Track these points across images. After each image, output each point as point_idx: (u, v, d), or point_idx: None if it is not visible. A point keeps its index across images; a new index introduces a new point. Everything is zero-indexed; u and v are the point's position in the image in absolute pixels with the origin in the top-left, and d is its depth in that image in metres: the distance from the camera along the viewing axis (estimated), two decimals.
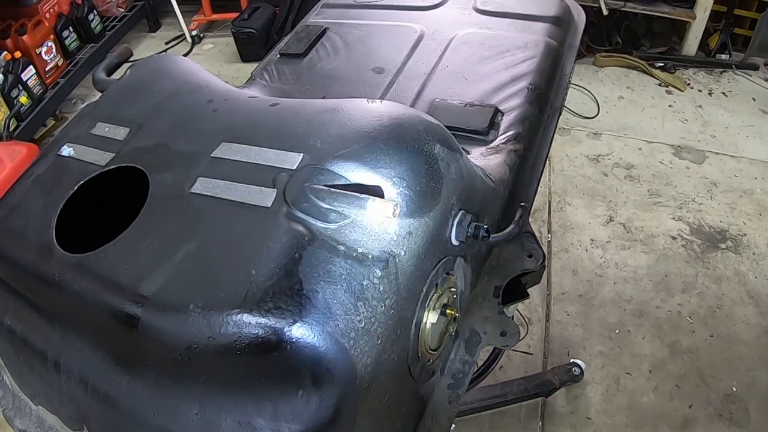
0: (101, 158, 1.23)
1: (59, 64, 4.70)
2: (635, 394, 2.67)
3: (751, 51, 4.80)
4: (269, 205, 0.99)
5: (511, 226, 1.29)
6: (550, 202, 3.64)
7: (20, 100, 4.20)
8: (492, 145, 1.63)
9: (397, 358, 1.08)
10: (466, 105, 1.74)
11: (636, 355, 2.83)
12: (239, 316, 0.87)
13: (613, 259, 3.28)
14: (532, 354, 2.81)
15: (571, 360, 2.66)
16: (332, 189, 0.99)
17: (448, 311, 1.21)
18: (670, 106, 4.49)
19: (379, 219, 1.00)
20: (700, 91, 4.64)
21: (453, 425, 2.34)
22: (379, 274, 0.98)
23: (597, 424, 2.56)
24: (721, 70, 4.83)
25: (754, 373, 2.77)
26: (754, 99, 4.54)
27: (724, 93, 4.60)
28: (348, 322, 0.92)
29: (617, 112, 4.43)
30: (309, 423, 0.91)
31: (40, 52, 4.48)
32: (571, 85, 4.62)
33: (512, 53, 1.91)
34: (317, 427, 0.92)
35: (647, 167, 3.91)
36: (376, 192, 1.01)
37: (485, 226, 1.22)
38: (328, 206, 0.98)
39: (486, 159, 1.56)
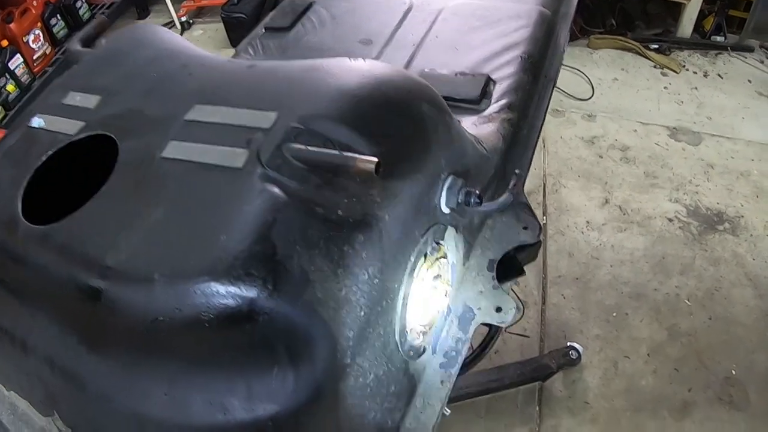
0: (71, 128, 1.15)
1: (47, 52, 4.60)
2: (634, 377, 2.62)
3: (747, 33, 4.73)
4: (241, 166, 0.91)
5: (506, 195, 1.22)
6: (544, 185, 3.57)
7: (7, 88, 4.12)
8: (484, 114, 1.57)
9: (384, 332, 1.01)
10: (456, 74, 1.68)
11: (634, 338, 2.77)
12: (207, 284, 0.79)
13: (609, 242, 3.22)
14: (528, 336, 2.74)
15: (568, 343, 2.60)
16: (310, 148, 0.91)
17: (438, 283, 1.14)
18: (665, 87, 4.42)
19: (361, 179, 0.92)
20: (695, 73, 4.57)
21: (448, 411, 2.30)
22: (362, 239, 0.91)
23: (595, 409, 2.50)
24: (717, 52, 4.76)
25: (753, 356, 2.72)
26: (749, 81, 4.48)
27: (719, 75, 4.54)
28: (327, 291, 0.84)
29: (612, 94, 4.36)
30: (286, 403, 0.83)
31: (28, 41, 4.38)
32: (565, 67, 4.59)
33: (504, 23, 1.84)
34: (295, 408, 0.84)
35: (643, 149, 3.84)
36: (358, 151, 0.93)
37: (476, 192, 1.15)
38: (305, 166, 0.90)
39: (478, 128, 1.49)
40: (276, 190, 0.87)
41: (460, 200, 1.15)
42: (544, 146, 3.86)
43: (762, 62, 4.64)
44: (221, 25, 5.17)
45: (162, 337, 0.84)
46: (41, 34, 4.51)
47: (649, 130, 4.01)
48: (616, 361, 2.68)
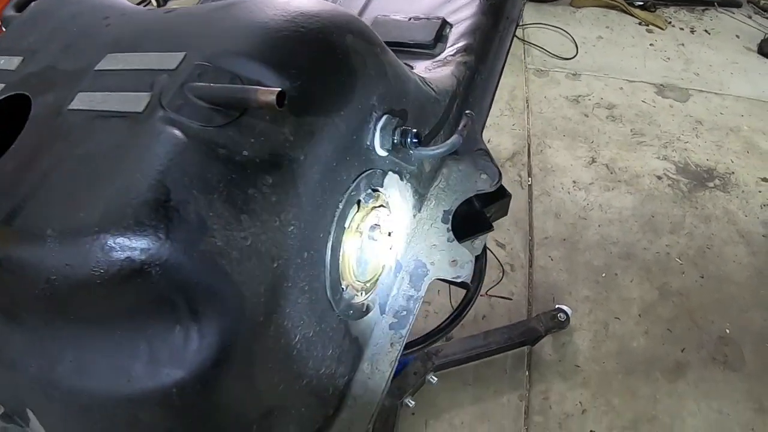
0: None
1: None
2: (625, 339, 2.52)
3: None
4: (141, 111, 0.83)
5: (454, 136, 1.12)
6: (529, 145, 3.44)
7: None
8: (439, 58, 1.47)
9: (309, 287, 0.92)
10: (410, 19, 1.59)
11: (624, 298, 2.67)
12: (94, 237, 0.71)
13: (597, 201, 3.11)
14: (511, 299, 2.63)
15: (557, 306, 2.49)
16: (213, 85, 0.82)
17: (377, 234, 1.04)
18: (651, 44, 4.31)
19: (270, 116, 0.83)
20: (681, 29, 4.46)
21: (434, 379, 2.20)
22: (270, 180, 0.81)
23: (586, 372, 2.40)
24: (703, 8, 4.65)
25: (747, 314, 2.64)
26: (737, 36, 4.38)
27: (706, 31, 4.43)
28: (229, 240, 0.76)
29: (596, 53, 4.23)
30: (191, 366, 0.76)
31: None
32: (547, 27, 4.46)
33: None
34: (202, 372, 0.76)
35: (629, 107, 3.73)
36: (268, 87, 0.84)
37: (414, 131, 1.04)
38: (208, 105, 0.81)
39: (431, 72, 1.38)
40: (175, 132, 0.79)
41: (395, 140, 1.04)
42: (528, 106, 3.73)
43: (750, 17, 4.54)
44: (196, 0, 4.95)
45: (59, 299, 0.76)
46: None
47: (636, 87, 3.90)
48: (607, 322, 2.58)
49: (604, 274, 2.77)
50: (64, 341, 0.80)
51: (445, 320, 1.66)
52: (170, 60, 0.88)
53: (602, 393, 2.34)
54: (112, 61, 0.94)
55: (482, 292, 2.27)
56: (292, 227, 0.84)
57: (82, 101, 0.89)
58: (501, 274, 2.68)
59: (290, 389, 0.93)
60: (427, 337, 1.56)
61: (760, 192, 3.18)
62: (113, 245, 0.70)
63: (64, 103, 0.91)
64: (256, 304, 0.80)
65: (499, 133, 3.49)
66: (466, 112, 1.24)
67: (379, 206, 1.07)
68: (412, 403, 2.07)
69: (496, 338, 2.32)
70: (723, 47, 4.25)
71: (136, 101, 0.84)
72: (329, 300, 0.98)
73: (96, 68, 0.95)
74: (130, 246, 0.70)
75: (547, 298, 2.66)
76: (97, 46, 1.00)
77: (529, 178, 3.24)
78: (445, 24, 1.56)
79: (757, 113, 3.68)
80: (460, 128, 1.16)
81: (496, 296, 2.61)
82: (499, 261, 2.72)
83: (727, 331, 2.57)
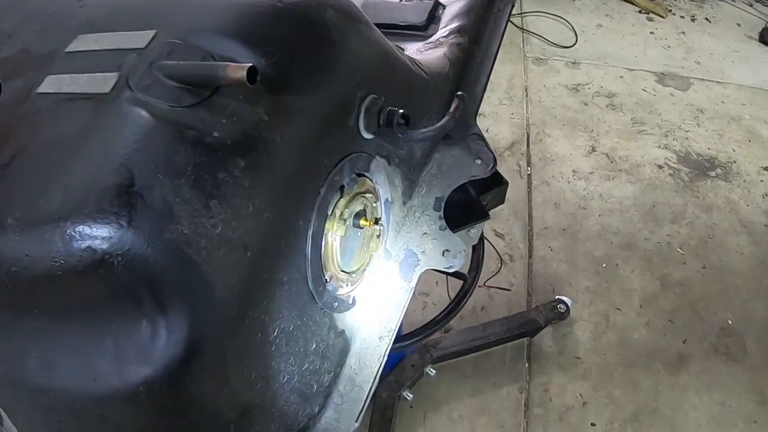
0: None
1: None
2: (626, 330, 2.48)
3: None
4: (108, 91, 0.77)
5: (445, 118, 1.06)
6: (528, 135, 3.39)
7: None
8: (431, 39, 1.41)
9: (289, 279, 0.87)
10: (402, 0, 1.52)
11: (625, 289, 2.63)
12: (54, 225, 0.66)
13: (597, 191, 3.06)
14: (510, 290, 2.59)
15: (557, 297, 2.45)
16: (182, 63, 0.77)
17: (362, 222, 0.99)
18: (651, 33, 4.25)
19: (243, 95, 0.78)
20: (682, 17, 4.40)
21: (433, 371, 2.16)
22: (243, 164, 0.76)
23: (587, 364, 2.36)
24: None
25: (750, 305, 2.60)
26: (738, 24, 4.33)
27: (707, 19, 4.37)
28: (197, 227, 0.70)
29: (596, 41, 4.17)
30: (159, 363, 0.70)
31: None
32: (546, 15, 4.39)
33: None
34: (170, 370, 0.71)
35: (630, 95, 3.68)
36: (239, 62, 0.79)
37: (401, 111, 0.99)
38: (177, 84, 0.76)
39: (423, 54, 1.32)
40: (142, 112, 0.74)
41: (381, 122, 0.98)
42: (527, 95, 3.68)
43: (750, 5, 4.48)
44: None
45: (21, 291, 0.72)
46: None
47: (636, 76, 3.84)
48: (607, 313, 2.54)
49: (604, 265, 2.72)
50: (29, 337, 0.75)
51: (442, 312, 1.61)
52: (140, 39, 0.83)
53: (603, 385, 2.30)
54: (83, 42, 0.89)
55: (481, 283, 2.23)
56: (266, 214, 0.79)
57: (51, 84, 0.85)
58: (500, 265, 2.64)
59: (269, 387, 0.88)
60: (423, 329, 1.51)
61: (762, 181, 3.14)
62: (73, 234, 0.65)
63: (33, 86, 0.86)
64: (228, 297, 0.75)
65: (498, 122, 3.44)
66: (458, 93, 1.19)
67: (365, 192, 1.02)
68: (410, 396, 2.03)
69: (495, 330, 2.28)
70: (724, 35, 4.20)
71: (103, 82, 0.79)
72: (311, 292, 0.93)
73: (66, 50, 0.90)
74: (90, 235, 0.65)
75: (546, 289, 2.62)
76: (69, 28, 0.95)
77: (529, 168, 3.19)
78: (437, 4, 1.51)
79: (758, 102, 3.63)
80: (451, 110, 1.11)
81: (494, 287, 2.56)
82: (497, 252, 2.67)
83: (730, 322, 2.53)
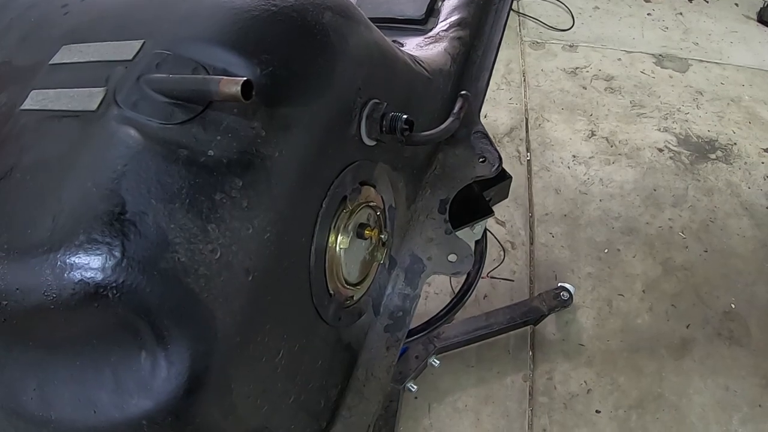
0: None
1: None
2: (629, 316, 2.47)
3: None
4: (95, 108, 0.73)
5: (450, 119, 1.04)
6: (527, 120, 3.36)
7: None
8: (431, 34, 1.36)
9: (293, 298, 0.84)
10: None
11: (627, 274, 2.61)
12: (44, 257, 0.63)
13: (597, 175, 3.04)
14: (513, 281, 2.57)
15: (559, 284, 2.43)
16: (171, 77, 0.72)
17: (366, 232, 0.96)
18: (648, 14, 4.21)
19: (238, 109, 0.73)
20: None
21: (437, 362, 2.14)
22: (240, 183, 0.72)
23: (591, 350, 2.35)
24: None
25: (753, 288, 2.58)
26: (736, 4, 4.29)
27: None
28: (194, 254, 0.67)
29: (593, 23, 4.13)
30: (161, 396, 0.67)
31: None
32: None
33: None
34: (173, 402, 0.68)
35: (628, 78, 3.65)
36: (234, 75, 0.74)
37: (405, 117, 0.94)
38: (168, 99, 0.72)
39: (423, 49, 1.28)
40: (131, 132, 0.70)
41: (384, 128, 0.94)
42: (524, 80, 3.64)
43: None
44: None
45: (15, 324, 0.69)
46: None
47: (634, 58, 3.81)
48: (610, 299, 2.52)
49: (606, 250, 2.71)
50: (26, 368, 0.72)
51: (446, 306, 1.60)
52: (127, 49, 0.79)
53: (607, 372, 2.29)
54: (68, 54, 0.85)
55: (484, 274, 2.21)
56: (267, 234, 0.76)
57: (35, 100, 0.80)
58: (502, 254, 2.62)
59: (276, 409, 0.86)
60: (427, 325, 1.50)
61: (762, 163, 3.12)
62: (64, 266, 0.62)
63: (16, 102, 0.82)
64: (230, 325, 0.71)
65: (496, 108, 3.41)
66: (462, 92, 1.15)
67: (369, 201, 0.98)
68: (414, 387, 2.01)
69: (498, 319, 2.27)
70: (722, 16, 4.16)
71: (89, 98, 0.75)
72: (316, 309, 0.90)
73: (51, 62, 0.86)
74: (82, 266, 0.62)
75: (549, 276, 2.60)
76: (53, 37, 0.91)
77: (528, 154, 3.16)
78: None
79: (758, 83, 3.60)
80: (456, 110, 1.08)
81: (497, 278, 2.55)
82: (499, 242, 2.65)
83: (733, 305, 2.52)
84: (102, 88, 0.75)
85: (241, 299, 0.73)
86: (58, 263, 0.62)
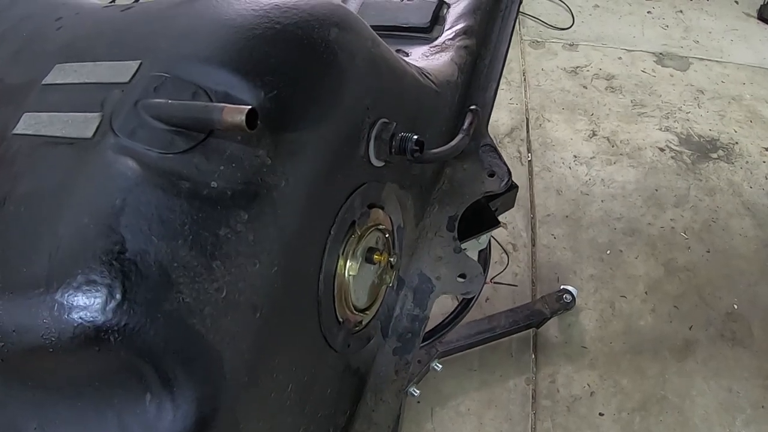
0: None
1: None
2: (632, 318, 2.46)
3: None
4: (91, 136, 0.70)
5: (459, 136, 1.02)
6: (527, 120, 3.35)
7: None
8: (437, 42, 1.33)
9: (302, 330, 0.81)
10: (404, 0, 1.44)
11: (630, 276, 2.61)
12: (41, 298, 0.60)
13: (599, 176, 3.03)
14: (516, 286, 2.56)
15: (562, 286, 2.42)
16: (171, 103, 0.68)
17: (375, 257, 0.92)
18: (648, 12, 4.20)
19: (242, 136, 0.70)
20: None
21: (439, 366, 2.13)
22: (246, 216, 0.69)
23: (593, 353, 2.34)
24: None
25: (755, 289, 2.58)
26: (736, 2, 4.28)
27: None
28: (199, 294, 0.64)
29: (593, 22, 4.12)
30: None
31: None
32: None
33: None
34: None
35: (629, 77, 3.63)
36: (237, 99, 0.70)
37: (415, 137, 0.91)
38: (167, 127, 0.68)
39: (429, 59, 1.25)
40: (129, 162, 0.66)
41: (394, 149, 0.91)
42: (524, 79, 3.63)
43: None
44: None
45: (13, 365, 0.66)
46: None
47: (635, 57, 3.80)
48: (613, 301, 2.52)
49: (608, 251, 2.70)
50: (27, 408, 0.70)
51: (449, 315, 1.58)
52: (124, 71, 0.75)
53: (610, 374, 2.29)
54: (61, 73, 0.81)
55: (487, 279, 2.20)
56: (275, 268, 0.72)
57: (28, 124, 0.76)
58: (505, 259, 2.61)
59: None
60: (431, 334, 1.49)
61: (764, 162, 3.11)
62: (62, 308, 0.59)
63: (9, 125, 0.78)
64: (238, 365, 0.69)
65: (496, 108, 3.35)
66: (471, 107, 1.13)
67: (377, 225, 0.95)
68: (417, 392, 2.00)
69: (501, 322, 2.26)
70: (722, 14, 4.15)
71: (84, 125, 0.71)
72: (325, 338, 0.87)
73: (44, 82, 0.81)
74: (82, 308, 0.59)
75: (551, 278, 2.59)
76: (47, 53, 0.87)
77: (529, 154, 3.15)
78: (442, 4, 1.43)
79: (759, 81, 3.59)
80: (465, 126, 1.05)
81: (500, 283, 2.54)
82: (502, 247, 2.64)
83: (735, 306, 2.51)
84: (98, 114, 0.71)
85: (249, 338, 0.70)
86: (56, 305, 0.60)
